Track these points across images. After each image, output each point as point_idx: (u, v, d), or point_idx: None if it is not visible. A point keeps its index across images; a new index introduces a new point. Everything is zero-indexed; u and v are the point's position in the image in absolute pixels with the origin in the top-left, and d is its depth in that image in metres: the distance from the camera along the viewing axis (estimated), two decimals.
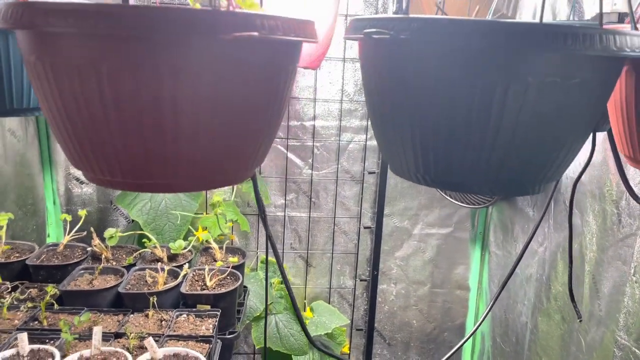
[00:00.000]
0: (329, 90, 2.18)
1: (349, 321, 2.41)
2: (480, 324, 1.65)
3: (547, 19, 1.79)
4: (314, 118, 2.20)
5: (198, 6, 0.72)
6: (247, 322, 2.18)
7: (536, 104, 0.63)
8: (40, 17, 0.54)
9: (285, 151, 2.23)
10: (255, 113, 0.67)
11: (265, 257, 2.34)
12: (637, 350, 1.31)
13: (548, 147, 0.68)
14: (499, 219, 2.23)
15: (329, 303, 2.42)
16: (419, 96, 0.68)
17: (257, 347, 2.23)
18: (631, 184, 1.34)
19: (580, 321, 1.23)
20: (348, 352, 2.47)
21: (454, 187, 0.76)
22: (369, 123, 2.22)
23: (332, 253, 2.38)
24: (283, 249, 2.36)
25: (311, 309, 2.36)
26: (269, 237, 1.22)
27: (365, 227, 2.35)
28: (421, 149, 0.72)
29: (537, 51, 0.60)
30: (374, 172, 2.28)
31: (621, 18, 1.30)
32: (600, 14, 0.80)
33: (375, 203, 2.31)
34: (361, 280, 2.41)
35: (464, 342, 1.59)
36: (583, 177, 1.58)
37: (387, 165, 2.24)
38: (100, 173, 0.66)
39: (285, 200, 2.29)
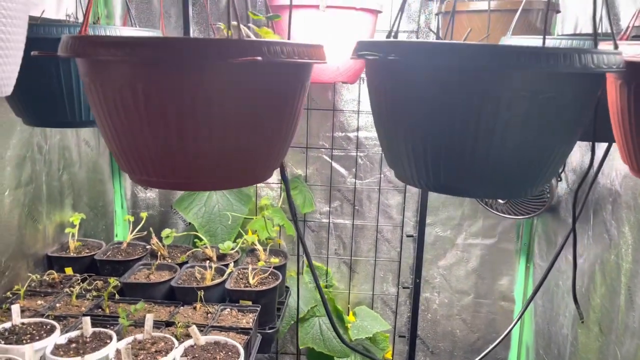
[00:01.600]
0: None
1: (390, 327, 2.46)
2: (510, 330, 1.68)
3: (588, 31, 1.80)
4: (358, 129, 2.30)
5: (230, 33, 0.86)
6: (292, 323, 2.30)
7: (510, 117, 0.71)
8: (91, 48, 0.69)
9: (330, 161, 2.34)
10: (267, 124, 0.78)
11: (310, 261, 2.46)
12: None
13: (525, 155, 0.75)
14: (543, 231, 2.22)
15: (372, 309, 2.49)
16: (409, 110, 0.77)
17: (301, 347, 2.33)
18: None
19: (582, 322, 1.23)
20: (391, 358, 2.52)
21: (447, 190, 0.84)
22: None
23: (375, 260, 2.45)
24: (327, 255, 2.46)
25: (354, 314, 2.45)
26: (300, 239, 1.33)
27: (407, 236, 2.41)
28: (414, 157, 0.80)
29: (505, 70, 0.68)
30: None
31: None
32: (595, 33, 0.86)
33: (417, 212, 2.37)
34: (404, 288, 2.47)
35: (494, 348, 1.61)
36: (619, 187, 1.59)
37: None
38: (139, 174, 0.80)
39: (330, 207, 2.40)
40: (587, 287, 1.78)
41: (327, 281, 2.45)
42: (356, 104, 2.28)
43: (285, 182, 1.17)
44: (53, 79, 1.08)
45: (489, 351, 1.69)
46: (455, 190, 0.83)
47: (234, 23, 0.75)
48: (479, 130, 0.72)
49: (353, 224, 2.42)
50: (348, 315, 2.45)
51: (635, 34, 1.34)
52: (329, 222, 2.42)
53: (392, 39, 0.81)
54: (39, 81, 1.08)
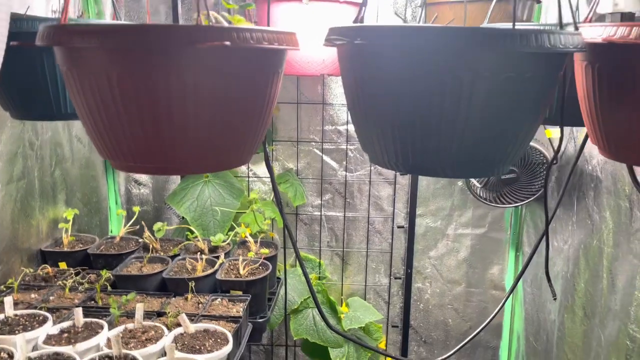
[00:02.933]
0: None
1: (383, 317, 2.49)
2: (494, 316, 1.70)
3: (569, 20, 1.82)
4: (347, 122, 2.33)
5: (207, 22, 0.88)
6: (286, 314, 2.33)
7: (472, 98, 0.73)
8: (66, 36, 0.72)
9: (321, 154, 2.37)
10: (241, 109, 0.81)
11: (304, 254, 2.48)
12: None
13: (489, 135, 0.77)
14: (531, 219, 2.25)
15: (365, 300, 2.52)
16: (376, 93, 0.79)
17: (295, 339, 2.36)
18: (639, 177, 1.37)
19: (555, 299, 1.26)
20: (384, 348, 2.55)
21: (422, 171, 0.87)
22: None
23: (367, 251, 2.48)
24: (320, 247, 2.49)
25: (347, 304, 2.47)
26: (285, 226, 1.36)
27: (398, 227, 2.43)
28: (384, 139, 0.83)
29: (475, 50, 0.70)
30: (406, 173, 2.37)
31: (625, 17, 1.33)
32: (560, 16, 0.88)
33: (408, 203, 2.40)
34: (396, 278, 2.50)
35: (478, 333, 1.64)
36: (600, 173, 1.62)
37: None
38: (118, 159, 0.82)
39: (321, 200, 2.43)
40: (572, 273, 1.81)
41: (320, 273, 2.48)
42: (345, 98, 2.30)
43: (270, 170, 1.20)
44: (37, 71, 1.11)
45: (473, 336, 1.72)
46: (424, 171, 0.85)
47: (212, 13, 0.78)
48: (442, 110, 0.75)
49: (345, 216, 2.44)
50: (341, 306, 2.48)
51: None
52: (321, 215, 2.45)
53: (358, 24, 0.83)
54: (24, 74, 1.11)
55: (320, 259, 2.50)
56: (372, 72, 0.77)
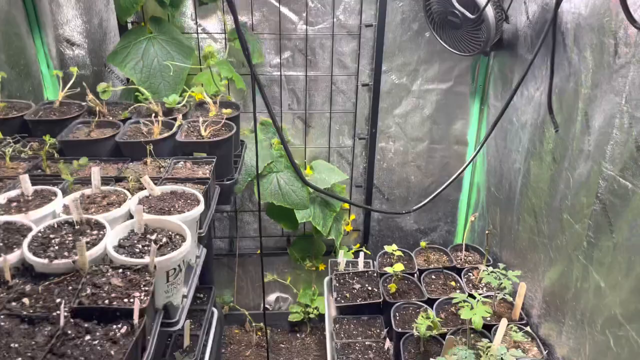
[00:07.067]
0: None
1: (347, 177, 2.47)
2: (463, 170, 1.69)
3: None
4: None
5: None
6: (249, 180, 2.26)
7: None
8: None
9: (278, 5, 2.13)
10: None
11: (264, 119, 2.35)
12: (620, 179, 1.34)
13: None
14: (500, 70, 2.18)
15: (329, 162, 2.48)
16: None
17: (260, 202, 2.32)
18: (631, 9, 1.28)
19: (557, 131, 1.24)
20: (349, 207, 2.57)
21: None
22: None
23: (331, 113, 2.38)
24: (281, 110, 2.36)
25: (311, 167, 2.42)
26: (258, 85, 1.21)
27: (363, 85, 2.32)
28: None
29: None
30: (371, 25, 2.19)
31: None
32: None
33: (373, 59, 2.26)
34: (360, 139, 2.44)
35: (444, 189, 1.63)
36: (584, 10, 1.52)
37: (385, 17, 2.14)
38: None
39: (280, 59, 2.25)
40: (542, 119, 1.79)
41: None
42: None
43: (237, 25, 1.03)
44: None
45: (439, 192, 1.71)
46: None
47: None
48: None
49: (306, 76, 2.29)
50: (305, 170, 2.42)
51: None
52: (281, 75, 2.28)
53: None
54: None
55: (281, 123, 2.38)
56: None
